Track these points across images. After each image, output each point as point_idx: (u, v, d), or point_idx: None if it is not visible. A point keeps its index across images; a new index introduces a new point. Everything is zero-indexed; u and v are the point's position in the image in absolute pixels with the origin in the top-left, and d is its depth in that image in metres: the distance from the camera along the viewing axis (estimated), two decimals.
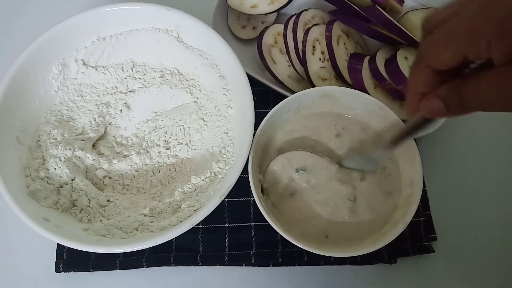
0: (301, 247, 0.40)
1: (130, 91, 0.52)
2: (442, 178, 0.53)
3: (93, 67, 0.51)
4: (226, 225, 0.49)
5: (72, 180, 0.46)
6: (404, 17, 0.55)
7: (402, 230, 0.41)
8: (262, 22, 0.59)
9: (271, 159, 0.46)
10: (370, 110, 0.46)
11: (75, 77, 0.51)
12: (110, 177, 0.48)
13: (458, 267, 0.49)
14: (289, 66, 0.54)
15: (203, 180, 0.45)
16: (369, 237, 0.43)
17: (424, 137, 0.49)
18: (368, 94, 0.47)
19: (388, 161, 0.46)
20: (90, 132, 0.50)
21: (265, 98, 0.54)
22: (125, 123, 0.52)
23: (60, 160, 0.46)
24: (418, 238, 0.49)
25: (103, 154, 0.50)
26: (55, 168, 0.45)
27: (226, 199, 0.49)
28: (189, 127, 0.51)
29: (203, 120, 0.50)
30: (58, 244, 0.47)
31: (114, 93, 0.52)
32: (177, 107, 0.52)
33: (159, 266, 0.47)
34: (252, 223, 0.49)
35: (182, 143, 0.50)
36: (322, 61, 0.52)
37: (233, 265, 0.48)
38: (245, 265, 0.48)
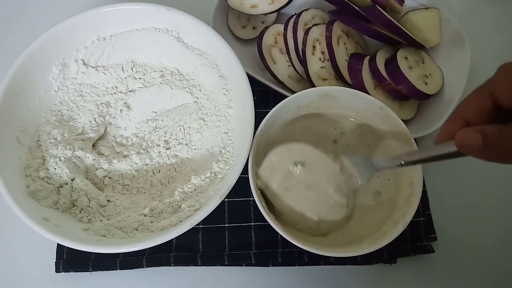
0: (301, 247, 0.40)
1: (130, 91, 0.52)
2: (442, 178, 0.53)
3: (93, 67, 0.51)
4: (226, 225, 0.49)
5: (72, 180, 0.46)
6: (404, 17, 0.55)
7: (402, 230, 0.41)
8: (262, 22, 0.59)
9: None
10: (370, 110, 0.46)
11: (75, 77, 0.51)
12: (110, 177, 0.48)
13: (458, 267, 0.49)
14: (289, 66, 0.54)
15: (203, 180, 0.45)
16: (369, 237, 0.43)
17: (424, 137, 0.49)
18: (368, 94, 0.47)
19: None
20: (90, 132, 0.50)
21: (265, 98, 0.54)
22: (125, 123, 0.52)
23: (60, 160, 0.46)
24: (418, 238, 0.49)
25: (103, 154, 0.50)
26: (55, 168, 0.45)
27: (226, 199, 0.49)
28: (189, 127, 0.51)
29: (203, 120, 0.50)
30: (58, 244, 0.47)
31: (114, 93, 0.52)
32: (177, 107, 0.52)
33: (159, 266, 0.47)
34: (252, 223, 0.49)
35: (182, 143, 0.50)
36: (322, 61, 0.52)
37: (233, 265, 0.48)
38: (245, 265, 0.48)
